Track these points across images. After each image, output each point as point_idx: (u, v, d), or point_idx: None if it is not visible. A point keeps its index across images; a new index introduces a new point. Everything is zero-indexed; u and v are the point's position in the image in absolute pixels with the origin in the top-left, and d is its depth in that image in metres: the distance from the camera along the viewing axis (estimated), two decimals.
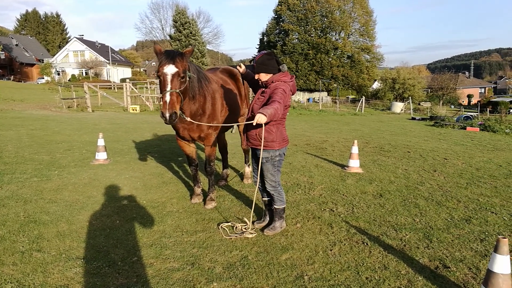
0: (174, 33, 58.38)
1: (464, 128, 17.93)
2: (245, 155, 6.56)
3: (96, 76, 64.55)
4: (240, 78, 5.57)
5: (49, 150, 9.07)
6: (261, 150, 4.08)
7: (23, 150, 8.91)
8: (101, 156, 7.72)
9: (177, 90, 3.97)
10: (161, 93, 4.01)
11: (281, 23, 56.91)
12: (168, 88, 3.93)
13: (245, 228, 4.35)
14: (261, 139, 4.02)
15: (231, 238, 4.14)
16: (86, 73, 65.53)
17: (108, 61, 67.61)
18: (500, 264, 2.75)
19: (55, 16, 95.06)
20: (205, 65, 56.92)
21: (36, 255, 3.67)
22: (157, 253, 3.80)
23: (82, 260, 3.58)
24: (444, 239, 4.21)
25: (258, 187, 4.49)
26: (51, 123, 15.55)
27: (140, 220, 4.65)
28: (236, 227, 4.40)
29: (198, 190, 5.38)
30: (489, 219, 4.83)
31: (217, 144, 5.90)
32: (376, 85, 59.17)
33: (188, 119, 4.49)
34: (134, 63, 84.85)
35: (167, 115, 3.87)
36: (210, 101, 4.86)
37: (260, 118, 3.63)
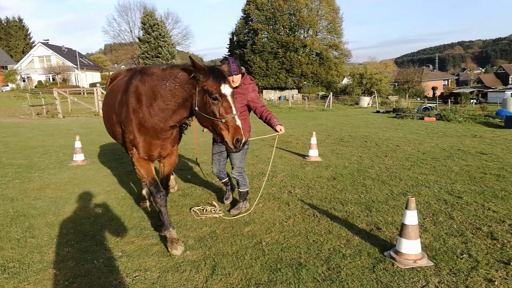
0: (143, 35, 58.04)
1: (422, 118, 19.18)
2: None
3: (64, 82, 63.28)
4: None
5: (25, 155, 9.41)
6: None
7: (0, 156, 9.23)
8: (79, 157, 8.19)
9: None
10: (218, 118, 3.41)
11: (250, 22, 57.67)
12: (235, 112, 3.46)
13: (213, 210, 5.02)
14: None
15: (201, 218, 4.80)
16: (54, 79, 64.14)
17: (76, 66, 66.38)
18: (409, 217, 3.54)
19: (17, 20, 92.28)
20: None
21: (31, 240, 4.21)
22: (138, 233, 4.41)
23: (72, 242, 4.16)
24: (382, 209, 5.02)
25: (216, 174, 5.21)
26: (22, 130, 15.69)
27: (120, 209, 5.24)
28: (206, 210, 5.06)
29: (175, 233, 4.01)
30: (422, 192, 5.70)
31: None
32: (345, 81, 60.85)
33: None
34: (103, 67, 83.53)
35: (244, 140, 3.46)
36: None
37: (283, 128, 4.64)
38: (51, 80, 63.91)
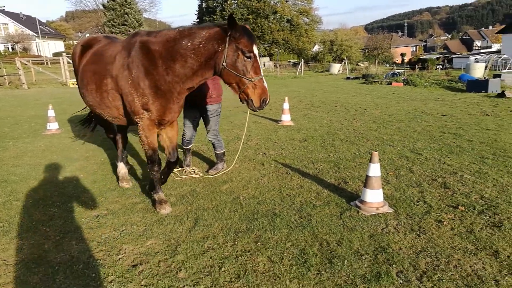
0: (108, 2, 55.56)
1: (390, 83, 19.79)
2: (121, 149, 5.21)
3: (25, 51, 60.21)
4: None
5: None
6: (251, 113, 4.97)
7: None
8: (53, 126, 8.18)
9: None
10: (246, 77, 3.52)
11: None
12: (262, 73, 3.59)
13: (193, 171, 5.28)
14: (215, 96, 5.03)
15: (181, 179, 5.06)
16: (13, 48, 60.90)
17: (36, 34, 63.08)
18: (373, 169, 3.92)
19: None
20: None
21: (16, 203, 4.36)
22: (120, 193, 4.64)
23: (58, 203, 4.34)
24: (349, 166, 5.43)
25: (188, 139, 5.38)
26: None
27: (101, 172, 5.42)
28: (185, 171, 5.31)
29: (163, 196, 4.23)
30: (386, 150, 6.15)
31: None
32: (316, 48, 60.86)
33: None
34: (66, 35, 79.68)
35: (268, 100, 3.66)
36: None
37: None
38: (10, 50, 60.69)
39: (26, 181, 5.08)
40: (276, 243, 3.36)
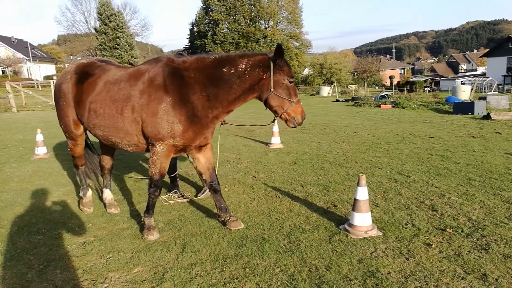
0: (100, 26, 56.14)
1: (379, 106, 20.09)
2: (106, 175, 5.07)
3: (16, 75, 60.16)
4: None
5: None
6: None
7: None
8: (41, 150, 8.11)
9: None
10: (290, 99, 3.87)
11: (210, 12, 57.15)
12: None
13: (181, 196, 5.25)
14: None
15: (169, 204, 5.02)
16: (3, 72, 60.81)
17: (27, 58, 63.25)
18: (360, 193, 3.94)
19: None
20: (135, 58, 55.60)
21: (0, 230, 4.27)
22: (108, 219, 4.57)
23: (43, 230, 4.26)
24: (338, 189, 5.44)
25: (170, 166, 5.37)
26: None
27: None
28: (173, 196, 5.27)
29: (153, 222, 4.18)
30: (375, 173, 6.19)
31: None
32: (306, 71, 61.79)
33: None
34: (57, 58, 79.97)
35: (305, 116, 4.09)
36: None
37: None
38: (0, 73, 60.59)
39: (11, 208, 4.99)
40: (265, 269, 3.33)
